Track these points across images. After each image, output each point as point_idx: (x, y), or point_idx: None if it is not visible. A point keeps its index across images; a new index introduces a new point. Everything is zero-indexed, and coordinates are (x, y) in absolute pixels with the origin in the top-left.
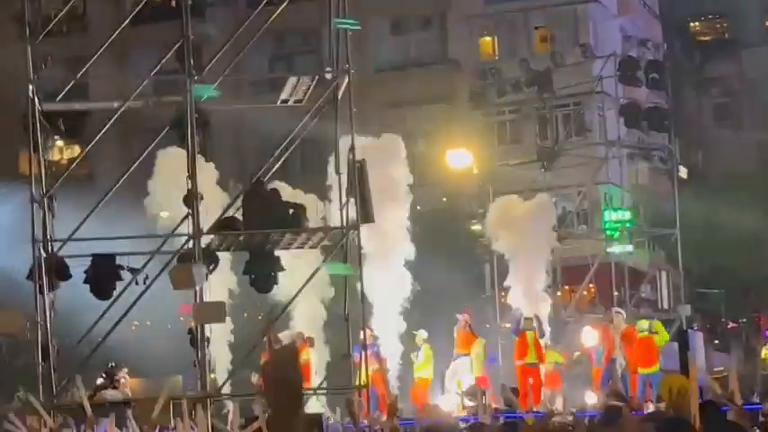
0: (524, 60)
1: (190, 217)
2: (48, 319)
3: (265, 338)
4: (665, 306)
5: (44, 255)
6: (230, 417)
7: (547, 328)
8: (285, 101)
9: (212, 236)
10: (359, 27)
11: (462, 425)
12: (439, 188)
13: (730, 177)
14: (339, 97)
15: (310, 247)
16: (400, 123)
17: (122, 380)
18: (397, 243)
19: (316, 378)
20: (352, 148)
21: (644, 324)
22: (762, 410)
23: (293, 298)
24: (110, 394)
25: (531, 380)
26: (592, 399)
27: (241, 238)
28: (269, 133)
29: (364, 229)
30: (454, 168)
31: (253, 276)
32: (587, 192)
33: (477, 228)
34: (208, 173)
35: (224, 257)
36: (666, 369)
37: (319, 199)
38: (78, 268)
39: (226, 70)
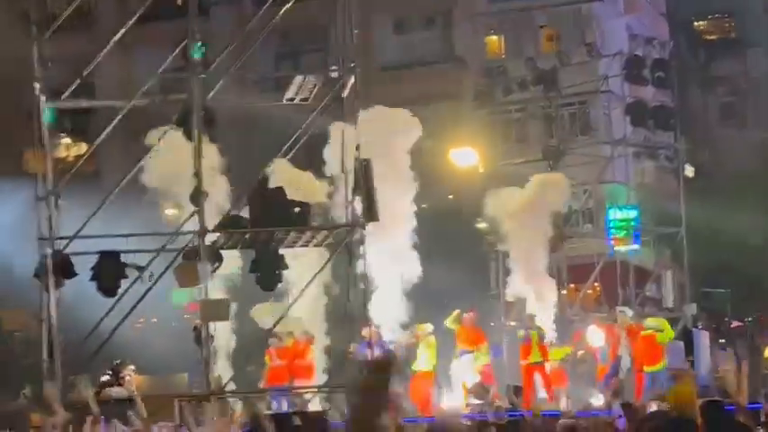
0: (530, 59)
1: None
2: (53, 317)
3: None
4: (671, 305)
5: (50, 252)
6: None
7: (551, 326)
8: (291, 99)
9: (217, 234)
10: None
11: (466, 422)
12: (444, 186)
13: (736, 176)
14: (344, 96)
15: (315, 245)
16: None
17: (128, 377)
18: (402, 221)
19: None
20: (357, 147)
21: (651, 322)
22: (763, 410)
23: (299, 296)
24: (115, 391)
25: (538, 378)
26: (596, 397)
27: (246, 236)
28: (275, 131)
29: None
30: (459, 167)
31: (258, 274)
32: (593, 190)
33: (482, 226)
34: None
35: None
36: (671, 367)
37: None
38: (84, 266)
39: (231, 68)
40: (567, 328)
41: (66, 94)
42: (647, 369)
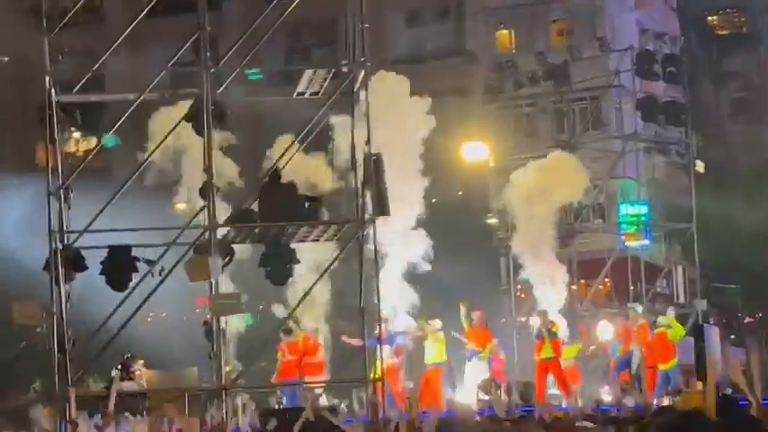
0: (541, 53)
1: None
2: (63, 311)
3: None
4: (681, 300)
5: (60, 246)
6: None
7: (563, 321)
8: (301, 93)
9: (228, 228)
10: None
11: (476, 418)
12: (454, 181)
13: (747, 171)
14: (355, 90)
15: (326, 240)
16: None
17: (138, 371)
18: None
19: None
20: (368, 141)
21: (663, 320)
22: None
23: (308, 290)
24: (125, 386)
25: (551, 374)
26: (607, 393)
27: (257, 231)
28: (285, 125)
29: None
30: (470, 161)
31: (268, 269)
32: (603, 186)
33: (492, 221)
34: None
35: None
36: (684, 364)
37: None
38: (94, 260)
39: (242, 63)
40: (577, 324)
41: (77, 88)
42: (660, 367)
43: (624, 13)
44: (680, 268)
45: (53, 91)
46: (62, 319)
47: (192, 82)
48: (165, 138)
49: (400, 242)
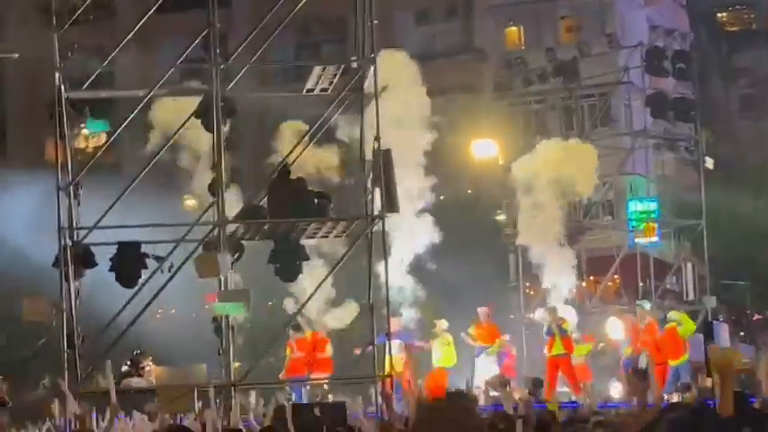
0: (550, 50)
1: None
2: (73, 307)
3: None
4: (691, 297)
5: (70, 242)
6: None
7: (571, 312)
8: (311, 90)
9: (237, 224)
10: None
11: (484, 414)
12: (463, 178)
13: (757, 168)
14: (365, 86)
15: (335, 236)
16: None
17: (147, 368)
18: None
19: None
20: (377, 138)
21: (674, 315)
22: None
23: (317, 288)
24: (134, 382)
25: (561, 371)
26: (617, 389)
27: (266, 227)
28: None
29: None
30: (479, 158)
31: (277, 265)
32: (613, 182)
33: (501, 218)
34: None
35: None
36: (694, 361)
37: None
38: (104, 256)
39: (252, 59)
40: (586, 320)
41: (87, 84)
42: (671, 363)
43: (633, 9)
44: (689, 265)
45: (63, 87)
46: (71, 315)
47: (202, 78)
48: (176, 133)
49: (406, 231)
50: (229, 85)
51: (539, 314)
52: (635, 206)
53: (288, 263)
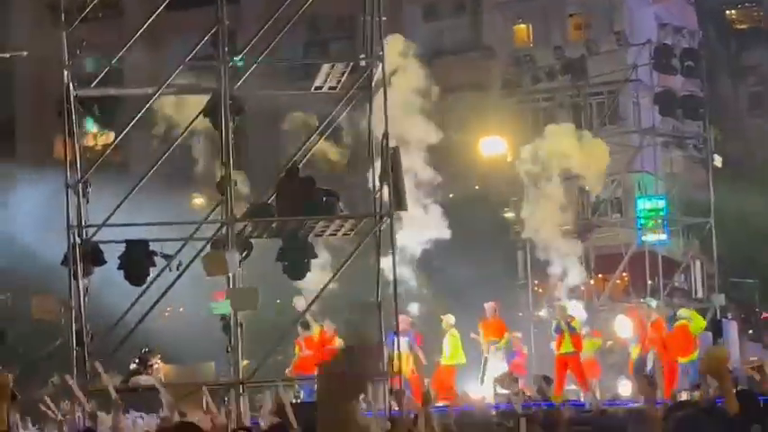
0: (558, 48)
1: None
2: (82, 305)
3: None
4: (699, 295)
5: (78, 240)
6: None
7: (578, 306)
8: (319, 87)
9: (245, 222)
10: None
11: (493, 412)
12: (472, 176)
13: (765, 166)
14: (373, 84)
15: (343, 234)
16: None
17: (155, 365)
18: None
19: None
20: (385, 135)
21: (684, 312)
22: None
23: (325, 286)
24: (143, 380)
25: (569, 369)
26: (626, 387)
27: (274, 225)
28: (303, 120)
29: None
30: (487, 156)
31: (285, 263)
32: (621, 180)
33: (510, 215)
34: None
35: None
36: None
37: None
38: (112, 254)
39: (260, 57)
40: (595, 319)
41: (95, 82)
42: (681, 360)
43: (642, 6)
44: (698, 263)
45: (71, 85)
46: (80, 313)
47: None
48: (185, 131)
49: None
50: (238, 83)
51: (546, 310)
52: (643, 204)
53: (296, 261)
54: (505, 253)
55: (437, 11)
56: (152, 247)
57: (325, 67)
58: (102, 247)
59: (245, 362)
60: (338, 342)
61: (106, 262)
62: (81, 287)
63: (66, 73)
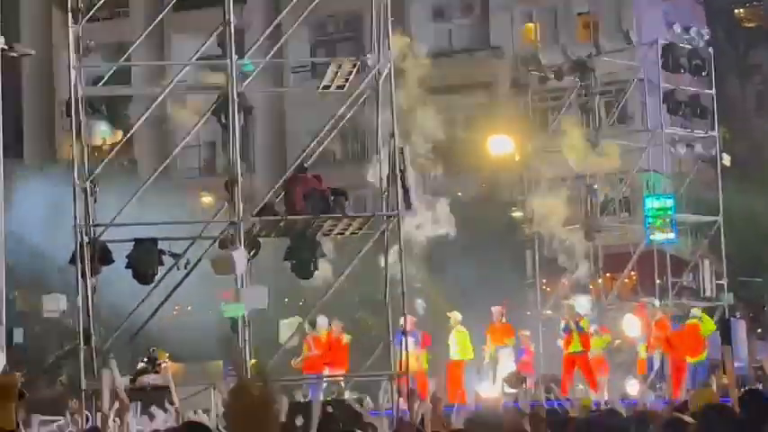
0: (566, 47)
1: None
2: (90, 304)
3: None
4: (708, 294)
5: (87, 239)
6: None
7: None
8: (327, 87)
9: (254, 221)
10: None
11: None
12: (479, 175)
13: None
14: (380, 83)
15: (351, 233)
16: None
17: (163, 364)
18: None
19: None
20: (393, 135)
21: (696, 312)
22: None
23: (333, 285)
24: (151, 378)
25: (578, 368)
26: (633, 386)
27: (282, 224)
28: (311, 119)
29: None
30: (495, 155)
31: (293, 262)
32: (629, 179)
33: (518, 214)
34: None
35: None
36: (712, 359)
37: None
38: (120, 253)
39: (267, 56)
40: (603, 317)
41: (103, 82)
42: (689, 360)
43: (650, 6)
44: (706, 262)
45: (79, 84)
46: (88, 312)
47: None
48: (192, 131)
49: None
50: (245, 82)
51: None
52: (651, 203)
53: (304, 260)
54: (513, 252)
55: (445, 11)
56: (160, 245)
57: (333, 67)
58: (110, 245)
59: (254, 361)
60: (346, 340)
61: (114, 261)
62: (89, 286)
63: (73, 72)
